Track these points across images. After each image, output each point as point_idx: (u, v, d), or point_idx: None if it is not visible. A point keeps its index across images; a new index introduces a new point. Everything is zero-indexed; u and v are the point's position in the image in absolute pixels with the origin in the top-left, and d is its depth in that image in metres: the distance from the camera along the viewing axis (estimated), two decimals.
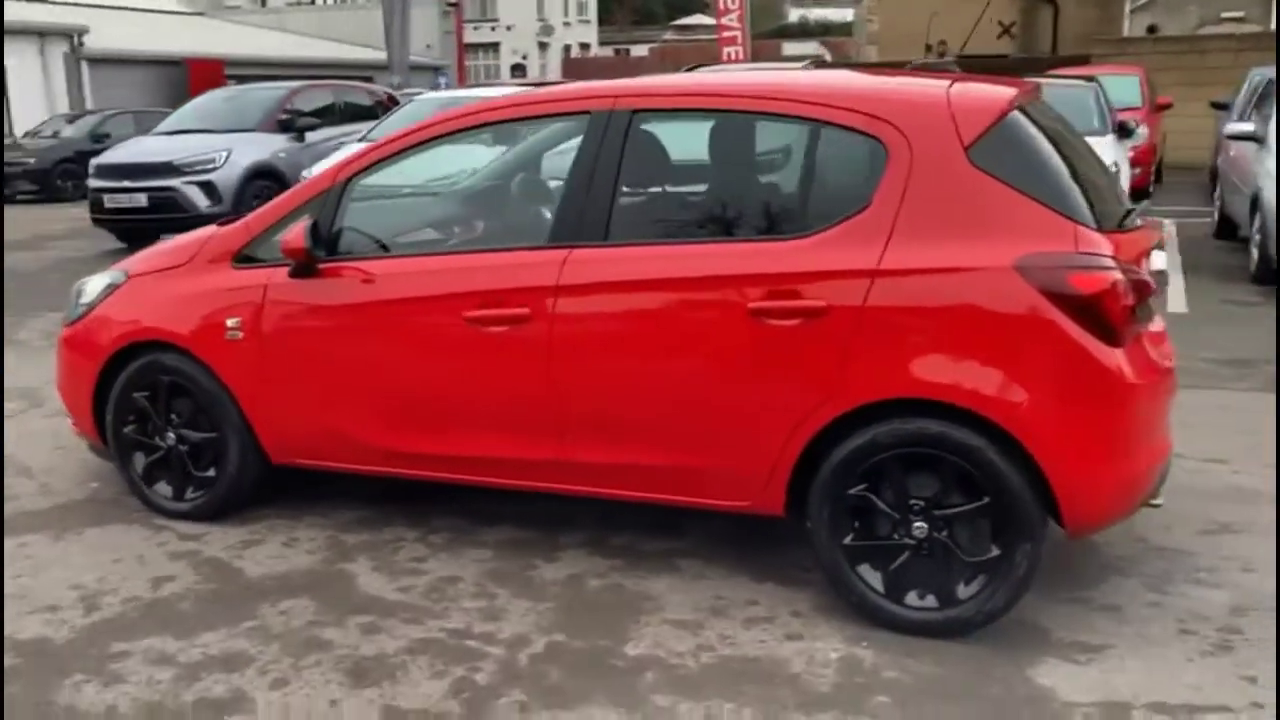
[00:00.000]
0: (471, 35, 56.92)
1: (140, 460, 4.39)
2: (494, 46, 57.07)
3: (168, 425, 4.30)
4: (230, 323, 4.08)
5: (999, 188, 3.23)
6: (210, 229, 4.35)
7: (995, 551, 3.27)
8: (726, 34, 35.68)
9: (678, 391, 3.54)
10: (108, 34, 24.05)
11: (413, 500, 4.38)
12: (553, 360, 3.64)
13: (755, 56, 40.10)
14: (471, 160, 4.97)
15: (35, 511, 4.52)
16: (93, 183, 11.96)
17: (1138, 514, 4.10)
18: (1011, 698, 3.07)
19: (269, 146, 12.10)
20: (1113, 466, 3.24)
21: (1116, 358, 3.18)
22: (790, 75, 3.90)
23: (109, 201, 11.73)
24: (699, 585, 3.75)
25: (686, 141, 3.81)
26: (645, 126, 3.65)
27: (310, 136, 12.49)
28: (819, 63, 20.91)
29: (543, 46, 58.82)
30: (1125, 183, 8.92)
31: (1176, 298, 8.29)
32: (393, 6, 19.63)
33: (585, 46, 63.77)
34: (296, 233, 3.83)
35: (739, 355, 3.42)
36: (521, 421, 3.75)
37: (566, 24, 61.78)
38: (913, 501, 3.33)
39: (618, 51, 67.15)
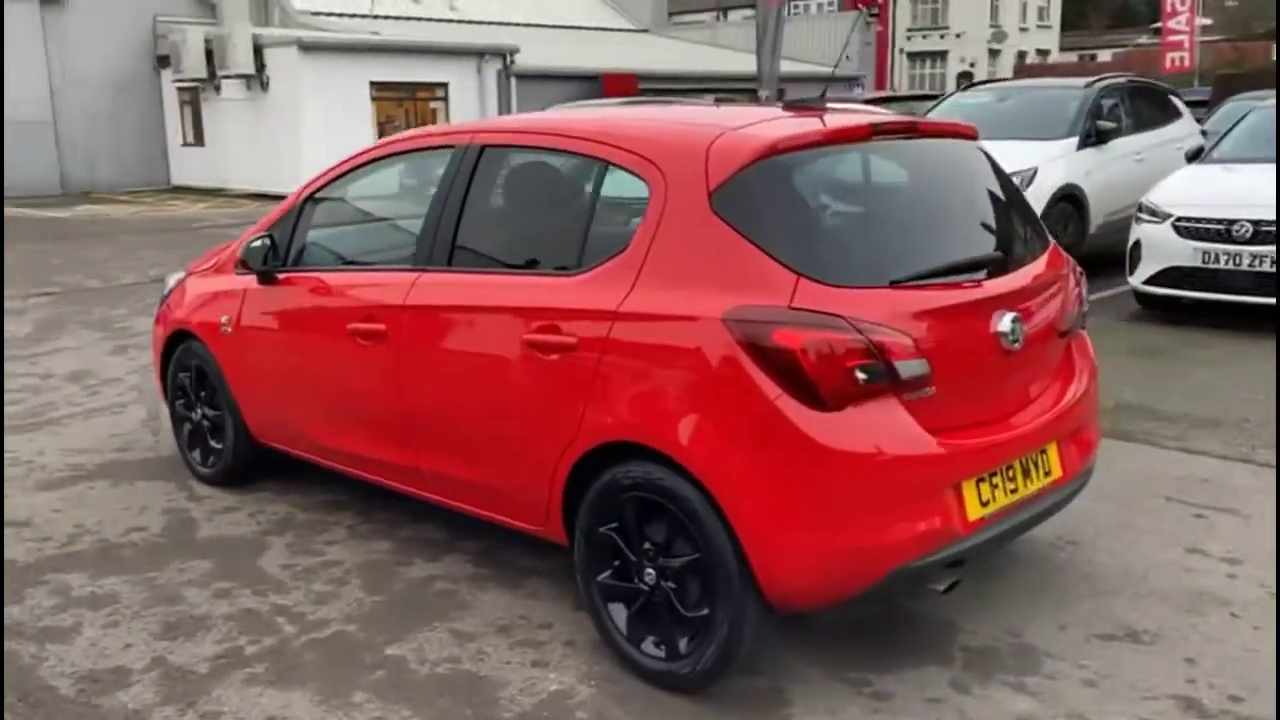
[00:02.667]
0: (920, 44, 56.25)
1: (186, 429, 5.23)
2: (941, 55, 55.86)
3: (198, 402, 5.10)
4: (224, 319, 4.77)
5: (732, 236, 3.10)
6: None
7: (706, 609, 3.15)
8: (1172, 38, 32.68)
9: (482, 412, 3.71)
10: (535, 53, 26.70)
11: (382, 493, 4.81)
12: (400, 372, 3.94)
13: (1234, 63, 36.05)
14: None
15: (127, 462, 5.51)
16: None
17: (1030, 607, 3.70)
18: None
19: None
20: (816, 538, 2.98)
21: (822, 422, 2.94)
22: (598, 112, 3.90)
23: None
24: (519, 603, 3.87)
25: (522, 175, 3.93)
26: (486, 161, 3.83)
27: None
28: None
29: (993, 54, 56.69)
30: None
31: None
32: (766, 20, 20.08)
33: (1044, 53, 60.56)
34: (237, 246, 4.44)
35: (520, 383, 3.54)
36: (385, 427, 4.09)
37: (1023, 29, 59.06)
38: (646, 547, 3.28)
39: (1082, 57, 63.04)
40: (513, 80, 26.27)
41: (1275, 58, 11.51)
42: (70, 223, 18.64)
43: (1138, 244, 8.19)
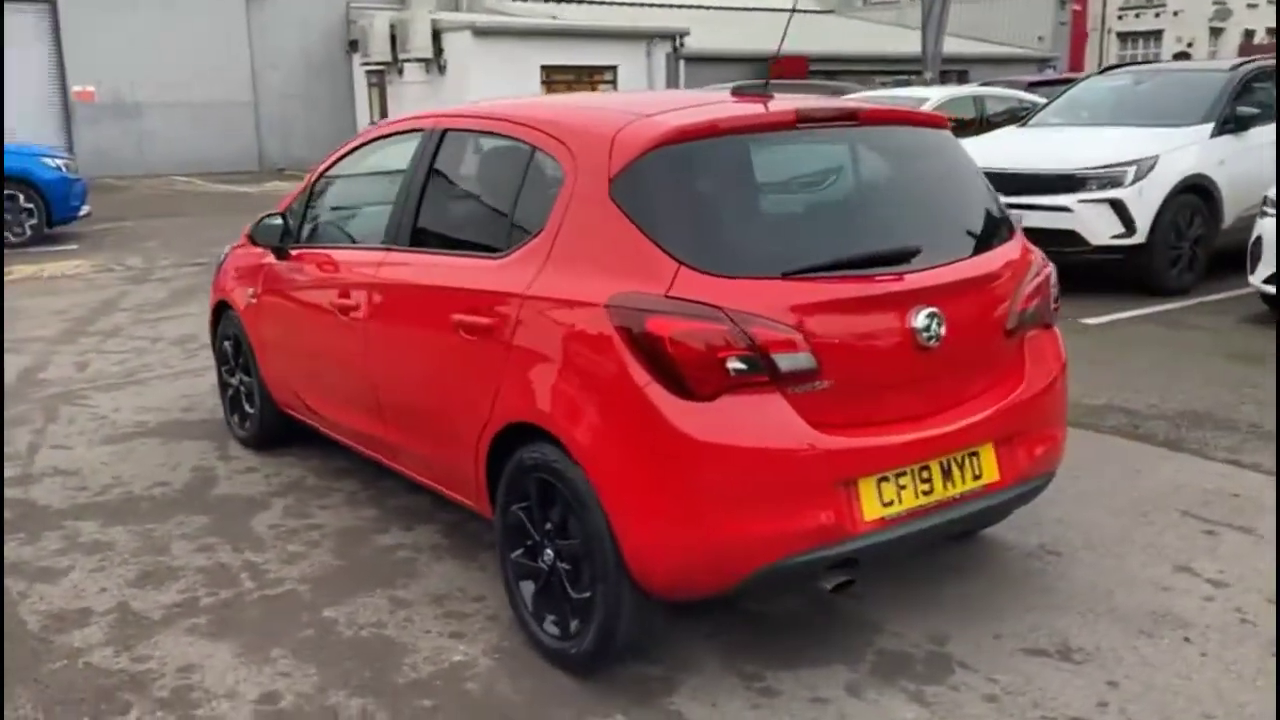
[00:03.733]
0: (1132, 23, 53.19)
1: (228, 393, 5.57)
2: (1155, 35, 52.62)
3: (236, 368, 5.42)
4: (249, 291, 5.06)
5: (624, 223, 3.10)
6: None
7: (589, 591, 3.17)
8: None
9: (427, 389, 3.83)
10: (707, 35, 26.71)
11: None
12: (369, 347, 4.10)
13: None
14: None
15: (185, 422, 5.91)
16: None
17: (971, 615, 3.57)
18: None
19: None
20: (680, 528, 2.95)
21: (690, 412, 2.91)
22: (541, 98, 3.90)
23: None
24: (465, 575, 3.98)
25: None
26: (446, 146, 3.93)
27: None
28: None
29: (1215, 32, 52.99)
30: None
31: None
32: (932, 1, 19.42)
33: (1275, 31, 56.11)
34: (249, 225, 4.70)
35: (450, 361, 3.63)
36: (361, 400, 4.26)
37: (1251, 5, 54.84)
38: (548, 527, 3.33)
39: None
40: (681, 63, 26.37)
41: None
42: (253, 198, 19.82)
43: (1259, 240, 7.59)
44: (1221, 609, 3.61)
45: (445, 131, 3.95)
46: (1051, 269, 3.70)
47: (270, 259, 4.87)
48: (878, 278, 3.16)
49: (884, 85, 19.55)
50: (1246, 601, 3.65)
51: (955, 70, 31.26)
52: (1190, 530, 4.23)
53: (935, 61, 19.39)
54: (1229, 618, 3.55)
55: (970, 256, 3.41)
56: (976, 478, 3.34)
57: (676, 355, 2.90)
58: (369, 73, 27.53)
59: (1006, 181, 8.83)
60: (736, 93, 3.62)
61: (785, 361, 2.95)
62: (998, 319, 3.42)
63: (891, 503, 3.14)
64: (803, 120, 3.35)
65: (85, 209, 13.97)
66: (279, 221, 4.72)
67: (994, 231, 3.59)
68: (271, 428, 5.26)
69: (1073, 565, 3.96)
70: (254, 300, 5.03)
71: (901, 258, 3.23)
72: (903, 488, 3.17)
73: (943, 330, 3.18)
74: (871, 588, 3.77)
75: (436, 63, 24.99)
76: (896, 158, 3.60)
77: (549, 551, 3.32)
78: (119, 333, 8.25)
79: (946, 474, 3.26)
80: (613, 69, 25.76)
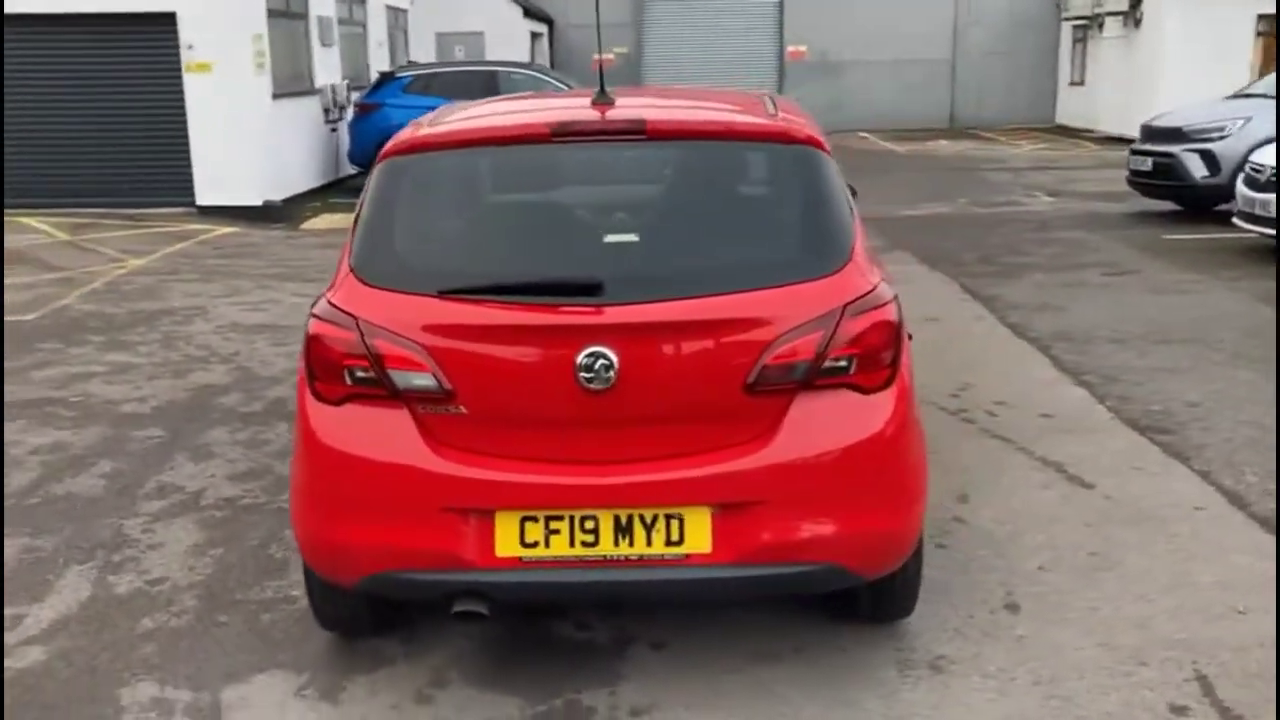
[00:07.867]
0: None
1: None
2: None
3: None
4: None
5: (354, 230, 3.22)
6: None
7: None
8: None
9: None
10: None
11: None
12: None
13: None
14: None
15: None
16: (1135, 144, 12.17)
17: (708, 708, 3.10)
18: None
19: None
20: (307, 521, 3.07)
21: (320, 414, 2.99)
22: None
23: (1132, 163, 11.88)
24: None
25: None
26: None
27: None
28: None
29: None
30: None
31: None
32: None
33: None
34: None
35: None
36: None
37: None
38: None
39: None
40: None
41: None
42: (919, 160, 19.87)
43: None
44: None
45: None
46: (880, 322, 2.88)
47: None
48: (541, 307, 2.85)
49: None
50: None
51: None
52: (1161, 697, 2.97)
53: None
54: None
55: (706, 295, 2.84)
56: (673, 544, 2.85)
57: (311, 358, 3.01)
58: (1075, 28, 26.03)
59: None
60: (594, 101, 3.34)
61: (401, 378, 2.87)
62: (727, 370, 2.82)
63: (535, 545, 2.86)
64: (560, 134, 3.09)
65: None
66: None
67: (786, 269, 2.94)
68: None
69: (921, 690, 3.05)
70: None
71: (588, 289, 2.83)
72: (554, 533, 2.86)
73: (613, 373, 2.77)
74: (698, 638, 3.37)
75: (1133, 16, 22.76)
76: (680, 177, 3.22)
77: None
78: None
79: (624, 530, 2.85)
80: None
